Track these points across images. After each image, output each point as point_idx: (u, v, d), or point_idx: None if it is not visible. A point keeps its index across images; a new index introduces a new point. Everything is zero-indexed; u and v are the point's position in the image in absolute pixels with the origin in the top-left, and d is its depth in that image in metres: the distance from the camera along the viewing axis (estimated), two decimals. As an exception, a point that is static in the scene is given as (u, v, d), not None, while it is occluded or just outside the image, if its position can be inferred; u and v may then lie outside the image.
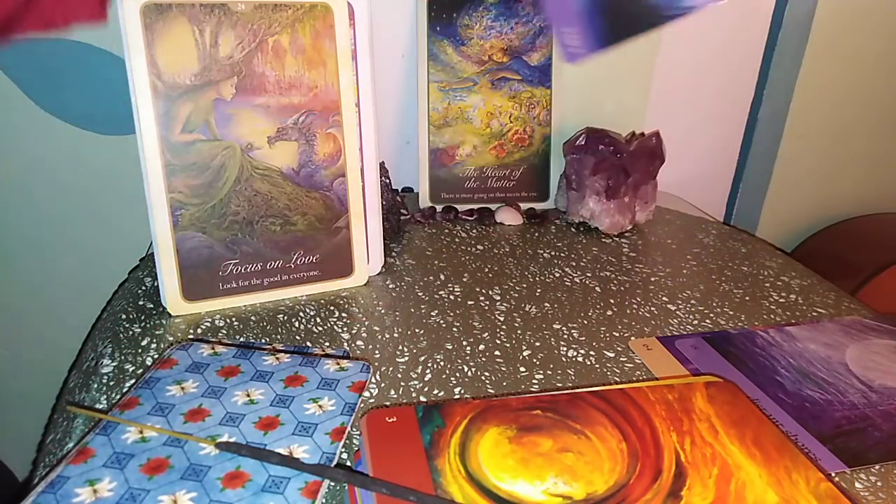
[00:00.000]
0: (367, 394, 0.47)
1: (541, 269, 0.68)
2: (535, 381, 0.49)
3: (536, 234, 0.76)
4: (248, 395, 0.42)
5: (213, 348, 0.46)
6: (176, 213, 0.54)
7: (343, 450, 0.41)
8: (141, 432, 0.38)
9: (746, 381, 0.50)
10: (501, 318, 0.58)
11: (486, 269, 0.67)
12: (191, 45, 0.53)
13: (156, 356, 0.50)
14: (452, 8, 0.77)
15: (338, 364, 0.45)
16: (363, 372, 0.45)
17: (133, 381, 0.46)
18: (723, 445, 0.39)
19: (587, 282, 0.65)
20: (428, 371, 0.50)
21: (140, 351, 0.51)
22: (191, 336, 0.53)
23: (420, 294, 0.62)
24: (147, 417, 0.39)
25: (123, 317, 0.55)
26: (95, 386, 0.47)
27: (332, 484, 0.39)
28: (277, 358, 0.46)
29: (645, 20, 0.47)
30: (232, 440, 0.38)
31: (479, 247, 0.72)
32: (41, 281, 0.83)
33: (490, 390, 0.48)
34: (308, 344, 0.52)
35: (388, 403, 0.46)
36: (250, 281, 0.58)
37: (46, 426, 0.52)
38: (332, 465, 0.37)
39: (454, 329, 0.56)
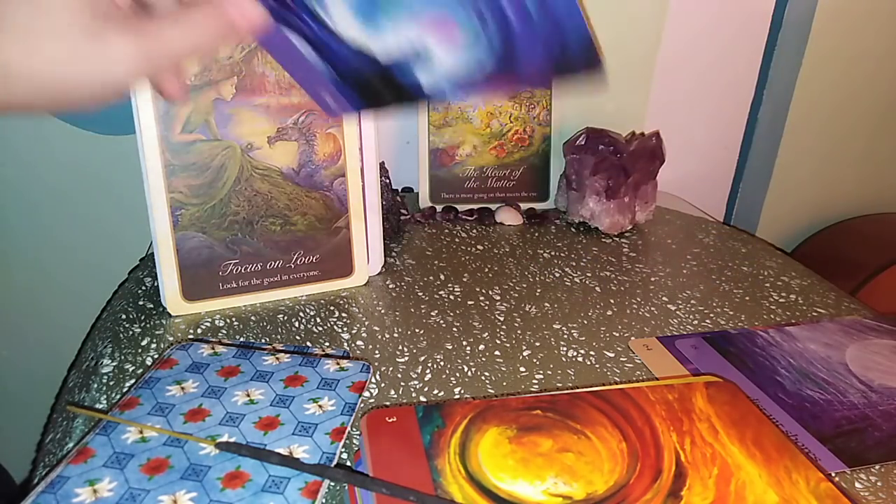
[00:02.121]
0: (366, 394, 0.47)
1: (541, 269, 0.68)
2: (535, 381, 0.49)
3: (536, 234, 0.76)
4: (248, 395, 0.42)
5: (213, 348, 0.46)
6: (176, 213, 0.54)
7: (343, 450, 0.41)
8: (141, 432, 0.38)
9: (746, 381, 0.50)
10: (501, 318, 0.58)
11: (486, 269, 0.67)
12: (191, 45, 0.53)
13: (156, 356, 0.50)
14: (452, 8, 0.77)
15: (338, 364, 0.45)
16: (363, 372, 0.45)
17: (133, 381, 0.46)
18: (723, 445, 0.39)
19: (587, 282, 0.65)
20: (428, 371, 0.50)
21: (140, 351, 0.51)
22: (191, 336, 0.53)
23: (420, 294, 0.62)
24: (147, 417, 0.39)
25: (123, 317, 0.55)
26: (95, 386, 0.47)
27: (332, 484, 0.39)
28: (277, 358, 0.46)
29: (396, 97, 0.44)
30: (232, 440, 0.38)
31: (479, 247, 0.72)
32: (41, 281, 0.83)
33: (490, 390, 0.48)
34: (308, 344, 0.52)
35: (388, 403, 0.46)
36: (250, 281, 0.58)
37: (46, 426, 0.52)
38: (332, 465, 0.37)
39: (454, 329, 0.56)
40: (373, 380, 0.49)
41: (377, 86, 0.45)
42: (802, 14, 0.92)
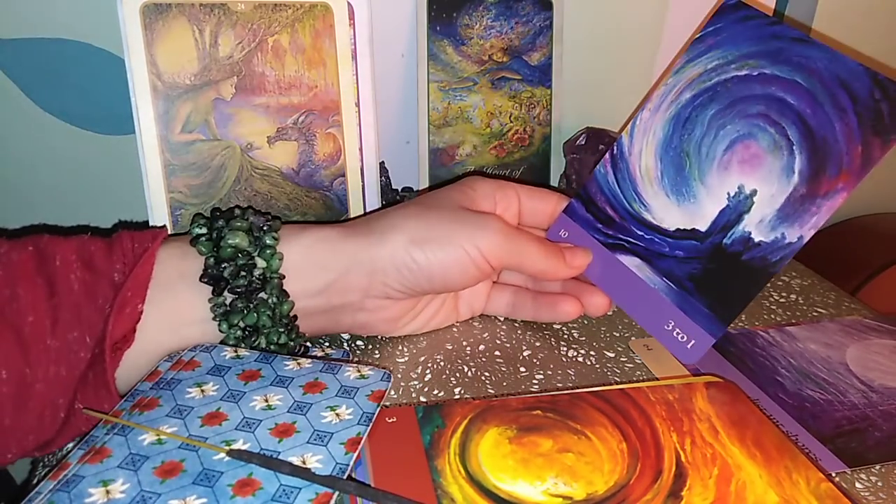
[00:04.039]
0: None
1: (541, 269, 0.67)
2: (535, 381, 0.49)
3: (536, 234, 0.76)
4: (267, 401, 0.41)
5: (235, 351, 0.46)
6: (176, 213, 0.54)
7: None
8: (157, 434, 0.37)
9: (747, 381, 0.50)
10: (501, 318, 0.58)
11: (486, 269, 0.67)
12: (190, 44, 0.53)
13: (156, 356, 0.50)
14: (452, 7, 0.77)
15: (358, 371, 0.45)
16: (383, 381, 0.44)
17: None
18: (723, 446, 0.39)
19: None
20: (428, 371, 0.50)
21: (140, 351, 0.50)
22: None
23: (420, 294, 0.61)
24: (165, 419, 0.39)
25: (123, 317, 0.55)
26: (95, 386, 0.47)
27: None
28: (299, 363, 0.45)
29: (752, 280, 0.43)
30: (245, 447, 0.37)
31: (479, 247, 0.72)
32: (41, 281, 0.83)
33: (490, 390, 0.48)
34: (308, 344, 0.52)
35: (387, 404, 0.46)
36: (250, 281, 0.58)
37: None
38: (345, 476, 0.36)
39: (454, 329, 0.56)
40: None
41: (716, 274, 0.44)
42: (802, 14, 0.92)
